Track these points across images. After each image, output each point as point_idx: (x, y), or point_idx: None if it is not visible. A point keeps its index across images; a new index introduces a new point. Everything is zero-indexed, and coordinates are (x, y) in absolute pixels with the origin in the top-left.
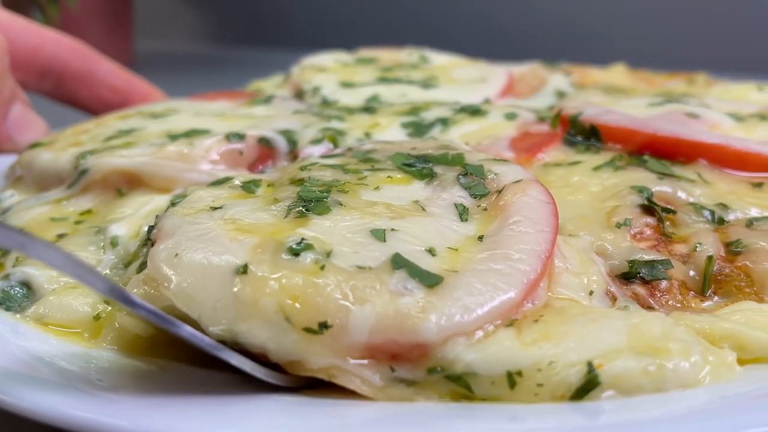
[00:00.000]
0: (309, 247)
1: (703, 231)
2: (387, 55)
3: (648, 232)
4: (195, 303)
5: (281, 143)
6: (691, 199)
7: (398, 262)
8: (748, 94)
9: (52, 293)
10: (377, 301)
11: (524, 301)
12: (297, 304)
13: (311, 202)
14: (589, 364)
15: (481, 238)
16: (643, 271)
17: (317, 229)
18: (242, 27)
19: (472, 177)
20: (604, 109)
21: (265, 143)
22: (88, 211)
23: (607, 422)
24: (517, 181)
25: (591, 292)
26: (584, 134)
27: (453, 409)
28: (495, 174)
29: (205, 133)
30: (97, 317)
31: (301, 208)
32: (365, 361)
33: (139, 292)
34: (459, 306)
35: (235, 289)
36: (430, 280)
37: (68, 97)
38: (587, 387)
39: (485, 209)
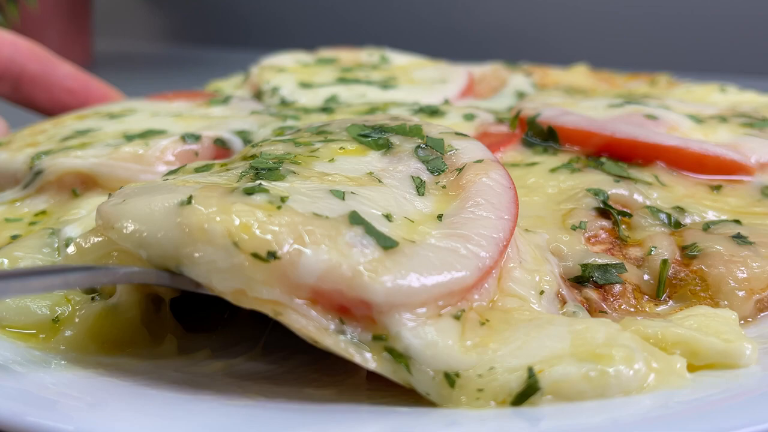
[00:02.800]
0: (264, 190)
1: (659, 234)
2: (347, 56)
3: (603, 235)
4: (139, 239)
5: (237, 144)
6: (648, 202)
7: (356, 219)
8: (710, 96)
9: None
10: (331, 249)
11: (476, 286)
12: (246, 234)
13: (264, 170)
14: (530, 370)
15: (440, 217)
16: (596, 274)
17: (272, 185)
18: (202, 27)
19: (431, 150)
20: (562, 110)
21: (220, 144)
22: (43, 212)
23: (548, 427)
24: (479, 161)
25: (542, 292)
26: (542, 136)
27: (390, 412)
28: (455, 150)
29: (161, 133)
30: (56, 320)
31: (253, 174)
32: (313, 306)
33: (74, 250)
34: (411, 274)
35: (179, 219)
36: (386, 243)
37: (25, 100)
38: (527, 392)
39: (444, 187)
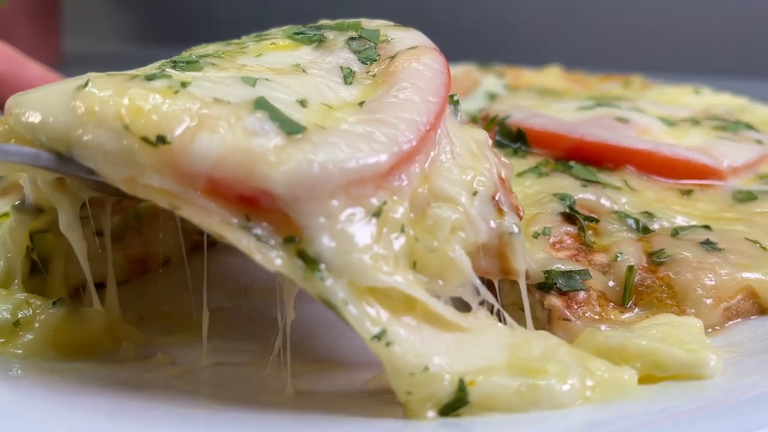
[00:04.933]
0: (166, 76)
1: (626, 240)
2: None
3: (568, 241)
4: (32, 123)
5: None
6: (616, 207)
7: (261, 105)
8: (684, 97)
9: None
10: (228, 134)
11: (392, 174)
12: (137, 117)
13: (183, 62)
14: (461, 382)
15: (362, 104)
16: (560, 281)
17: (178, 73)
18: (172, 27)
19: (365, 41)
20: (532, 112)
21: None
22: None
23: None
24: (412, 48)
25: (474, 193)
26: (512, 138)
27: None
28: (390, 39)
29: None
30: (16, 323)
31: (171, 66)
32: (213, 199)
33: None
34: (315, 160)
35: (72, 102)
36: (292, 128)
37: None
38: (455, 405)
39: (374, 76)
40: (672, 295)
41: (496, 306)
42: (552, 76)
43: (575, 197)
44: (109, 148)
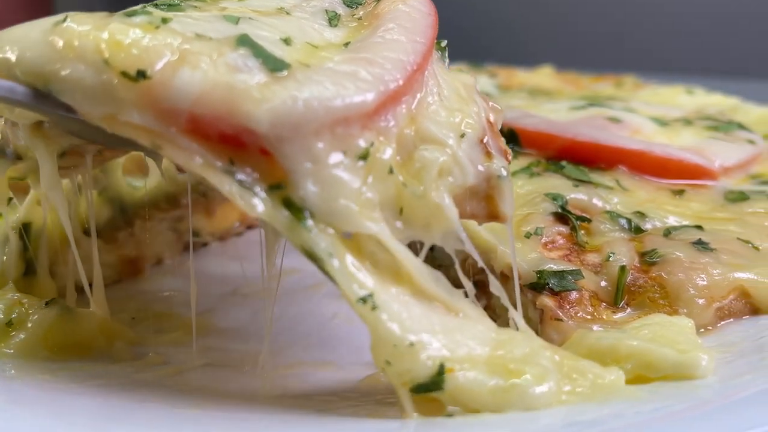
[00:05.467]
0: (146, 12)
1: (618, 240)
2: None
3: (560, 241)
4: (9, 59)
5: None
6: (608, 207)
7: (244, 41)
8: (676, 98)
9: None
10: (210, 69)
11: (378, 113)
12: (118, 50)
13: (164, 5)
14: (441, 366)
15: (347, 44)
16: (552, 281)
17: (158, 11)
18: None
19: None
20: (524, 112)
21: None
22: None
23: None
24: None
25: (462, 135)
26: (504, 138)
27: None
28: None
29: None
30: (9, 323)
31: (151, 7)
32: (196, 140)
33: None
34: (300, 98)
35: (51, 37)
36: (275, 65)
37: None
38: (429, 387)
39: (359, 19)
40: (664, 295)
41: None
42: (544, 76)
43: (567, 197)
44: (87, 83)
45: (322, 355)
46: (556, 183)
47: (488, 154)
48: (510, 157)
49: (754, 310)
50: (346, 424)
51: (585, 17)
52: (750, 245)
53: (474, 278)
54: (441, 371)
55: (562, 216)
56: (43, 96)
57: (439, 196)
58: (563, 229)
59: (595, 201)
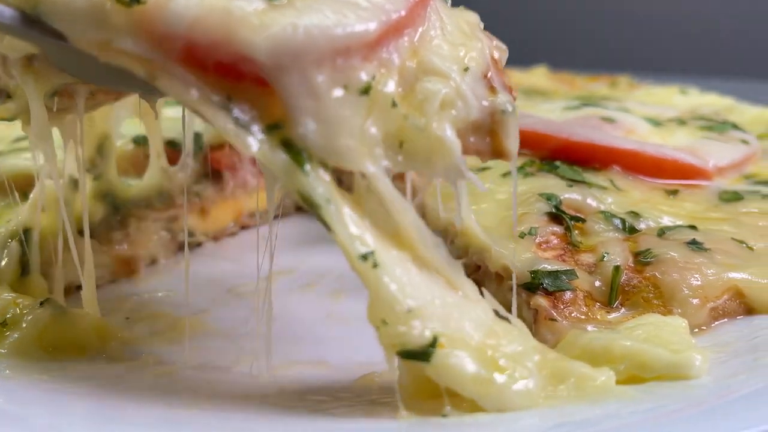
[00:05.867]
0: None
1: (612, 240)
2: None
3: (554, 241)
4: None
5: (189, 145)
6: (602, 207)
7: None
8: (671, 98)
9: None
10: None
11: (380, 44)
12: None
13: None
14: (435, 339)
15: None
16: (546, 281)
17: None
18: None
19: None
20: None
21: (172, 146)
22: None
23: None
24: None
25: (466, 69)
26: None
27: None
28: None
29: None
30: (3, 323)
31: None
32: (192, 70)
33: None
34: (300, 25)
35: None
36: None
37: None
38: (417, 356)
39: None
40: (658, 295)
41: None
42: (539, 76)
43: (561, 197)
44: (78, 5)
45: (316, 355)
46: (550, 183)
47: (492, 90)
48: (515, 94)
49: (749, 310)
50: (340, 424)
51: (579, 17)
52: (744, 245)
53: (469, 278)
54: (433, 344)
55: (557, 216)
56: (32, 22)
57: (441, 129)
58: (557, 229)
59: (589, 201)
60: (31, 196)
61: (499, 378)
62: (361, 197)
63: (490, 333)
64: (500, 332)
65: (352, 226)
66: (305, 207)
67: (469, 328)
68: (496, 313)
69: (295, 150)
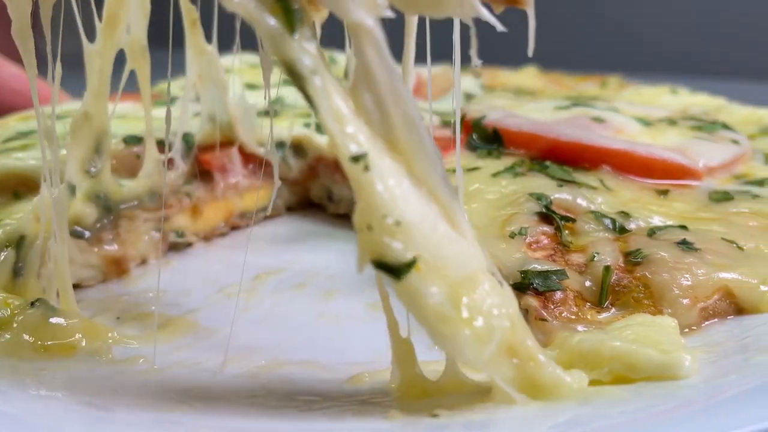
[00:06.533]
0: None
1: (602, 240)
2: None
3: (544, 241)
4: None
5: (179, 146)
6: (592, 207)
7: None
8: (661, 97)
9: None
10: None
11: None
12: None
13: None
14: (414, 260)
15: None
16: (537, 281)
17: None
18: (150, 27)
19: None
20: (507, 113)
21: (163, 146)
22: None
23: None
24: None
25: None
26: (487, 139)
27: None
28: None
29: None
30: None
31: None
32: None
33: None
34: None
35: None
36: None
37: None
38: (390, 269)
39: None
40: (649, 295)
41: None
42: (528, 76)
43: (551, 197)
44: None
45: (307, 355)
46: (540, 183)
47: None
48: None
49: (739, 310)
50: (330, 424)
51: (570, 17)
52: (734, 245)
53: None
54: (410, 265)
55: (547, 216)
56: None
57: None
58: (548, 229)
59: (579, 201)
60: (32, 205)
61: (459, 321)
62: (357, 89)
63: (472, 278)
64: (483, 283)
65: (339, 101)
66: (291, 79)
67: (452, 264)
68: (492, 273)
69: (289, 9)
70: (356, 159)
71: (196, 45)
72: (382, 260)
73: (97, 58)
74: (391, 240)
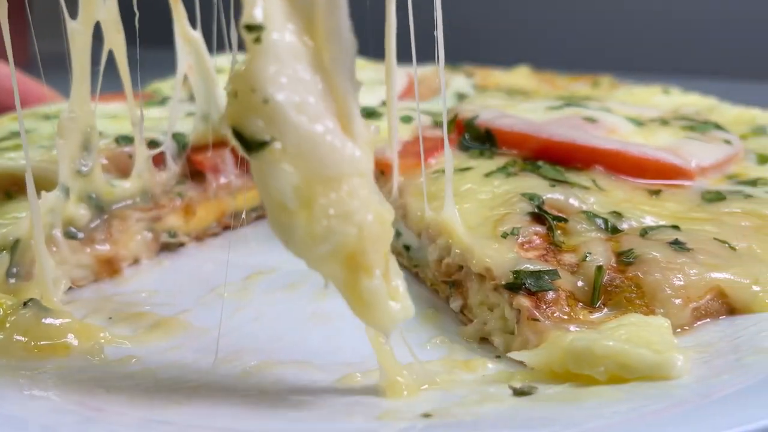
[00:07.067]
0: None
1: (595, 240)
2: None
3: (537, 241)
4: None
5: (170, 146)
6: (584, 207)
7: None
8: (653, 97)
9: None
10: None
11: None
12: None
13: None
14: (269, 142)
15: None
16: (529, 281)
17: None
18: (142, 27)
19: None
20: (500, 113)
21: (154, 146)
22: None
23: None
24: None
25: None
26: (480, 139)
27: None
28: None
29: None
30: None
31: None
32: None
33: None
34: None
35: None
36: None
37: None
38: (243, 143)
39: None
40: (641, 295)
41: None
42: (521, 76)
43: (544, 197)
44: None
45: (299, 354)
46: (532, 183)
47: None
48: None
49: (731, 310)
50: (322, 424)
51: (562, 17)
52: (727, 245)
53: (451, 278)
54: (263, 145)
55: (539, 216)
56: None
57: None
58: (540, 229)
59: (571, 201)
60: (28, 214)
61: (297, 215)
62: None
63: (337, 180)
64: (345, 186)
65: None
66: None
67: (318, 161)
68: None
69: None
70: (251, 28)
71: (182, 31)
72: (239, 130)
73: (79, 37)
74: (254, 117)
